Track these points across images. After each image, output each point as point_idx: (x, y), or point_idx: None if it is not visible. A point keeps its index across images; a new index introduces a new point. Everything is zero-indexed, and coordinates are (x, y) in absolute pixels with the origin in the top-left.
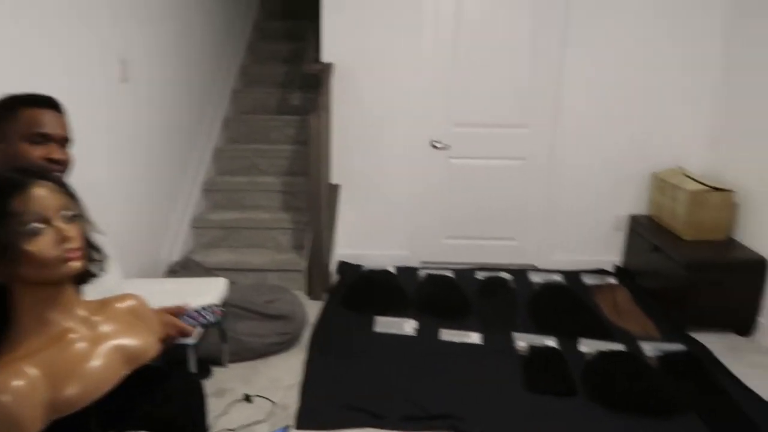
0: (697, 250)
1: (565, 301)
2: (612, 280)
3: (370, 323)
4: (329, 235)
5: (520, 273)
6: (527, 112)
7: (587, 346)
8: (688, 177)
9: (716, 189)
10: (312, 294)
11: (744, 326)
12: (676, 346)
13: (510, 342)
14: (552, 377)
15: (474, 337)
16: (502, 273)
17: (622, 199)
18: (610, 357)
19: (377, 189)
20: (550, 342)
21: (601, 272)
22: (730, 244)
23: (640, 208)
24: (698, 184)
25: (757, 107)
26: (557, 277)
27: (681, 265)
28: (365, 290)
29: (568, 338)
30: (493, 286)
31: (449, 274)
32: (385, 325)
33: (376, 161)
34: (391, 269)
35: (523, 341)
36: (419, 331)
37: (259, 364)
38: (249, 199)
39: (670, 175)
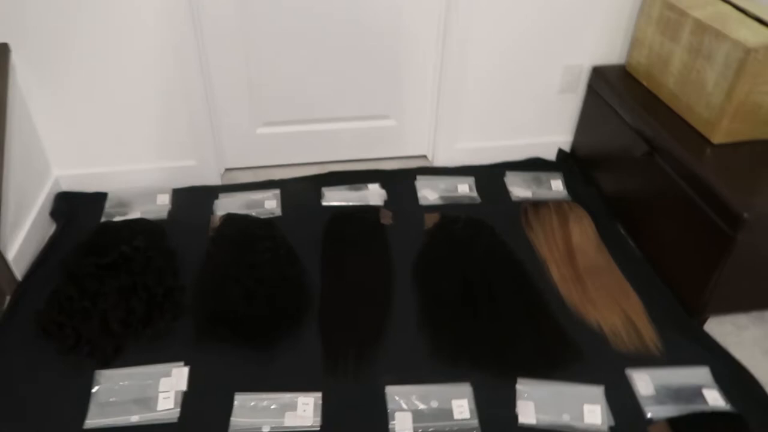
0: (739, 168)
1: (480, 261)
2: (558, 187)
3: (87, 388)
4: None
5: (403, 180)
6: None
7: (532, 410)
8: (727, 1)
9: None
10: None
11: None
12: (696, 377)
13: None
14: None
15: (306, 415)
16: (369, 186)
17: (580, 36)
18: None
19: (105, 44)
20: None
21: (537, 165)
22: None
23: (613, 53)
24: (759, 25)
25: None
26: (464, 187)
27: (711, 204)
28: (90, 281)
29: (492, 376)
30: (352, 228)
31: (271, 203)
32: (112, 393)
33: None
34: (162, 210)
35: (421, 402)
36: (185, 405)
37: None
38: None
39: None
